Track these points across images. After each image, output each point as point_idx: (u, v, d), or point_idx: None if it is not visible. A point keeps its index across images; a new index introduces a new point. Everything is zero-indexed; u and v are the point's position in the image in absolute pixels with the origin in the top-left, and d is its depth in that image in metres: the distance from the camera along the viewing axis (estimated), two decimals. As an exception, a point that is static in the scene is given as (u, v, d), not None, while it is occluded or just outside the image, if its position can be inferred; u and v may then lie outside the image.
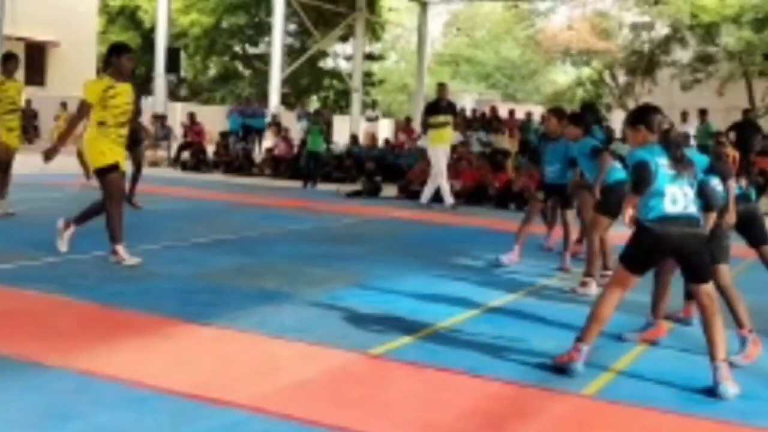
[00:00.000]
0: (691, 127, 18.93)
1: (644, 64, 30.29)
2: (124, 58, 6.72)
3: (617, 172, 6.69)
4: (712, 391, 4.12)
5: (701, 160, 4.98)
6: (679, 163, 4.18)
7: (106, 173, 6.74)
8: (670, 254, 4.27)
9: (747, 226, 5.48)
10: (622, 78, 32.54)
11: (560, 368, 4.32)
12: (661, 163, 4.16)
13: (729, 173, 4.97)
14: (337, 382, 4.05)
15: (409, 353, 4.57)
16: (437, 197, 13.15)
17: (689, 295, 5.60)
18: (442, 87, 13.62)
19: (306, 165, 16.65)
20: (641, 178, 4.15)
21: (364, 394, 3.88)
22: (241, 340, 4.69)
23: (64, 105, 20.16)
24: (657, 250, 4.20)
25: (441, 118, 12.97)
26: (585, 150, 6.93)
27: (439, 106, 13.07)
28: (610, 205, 6.50)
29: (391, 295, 6.11)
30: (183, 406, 3.58)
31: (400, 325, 5.18)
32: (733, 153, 17.00)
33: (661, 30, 30.19)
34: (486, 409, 3.81)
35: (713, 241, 4.70)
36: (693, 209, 4.18)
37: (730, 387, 4.06)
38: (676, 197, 4.12)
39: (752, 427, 3.75)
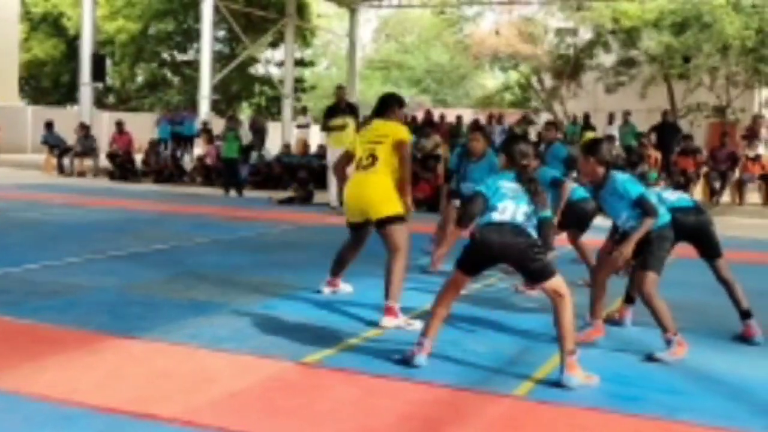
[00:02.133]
0: (615, 129, 19.46)
1: (569, 68, 30.96)
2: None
3: (577, 191, 7.14)
4: (639, 386, 4.26)
5: (561, 150, 5.39)
6: (526, 186, 4.61)
7: None
8: (493, 258, 4.55)
9: (698, 239, 5.63)
10: (548, 82, 33.18)
11: (406, 361, 4.54)
12: (504, 185, 4.59)
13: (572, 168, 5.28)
14: (271, 392, 4.03)
15: (343, 360, 4.58)
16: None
17: (628, 298, 5.77)
18: (340, 90, 13.72)
19: (224, 172, 16.55)
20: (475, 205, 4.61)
21: (298, 404, 3.88)
22: (173, 352, 4.63)
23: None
24: (478, 254, 4.52)
25: (339, 121, 13.02)
26: (544, 180, 6.84)
27: (338, 109, 13.14)
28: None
29: (325, 303, 6.12)
30: (115, 422, 3.52)
31: (333, 332, 5.19)
32: (654, 154, 17.54)
33: (585, 35, 30.90)
34: (422, 413, 3.85)
35: (645, 248, 4.96)
36: (520, 219, 4.48)
37: (574, 376, 4.29)
38: (506, 209, 4.50)
39: (678, 422, 3.87)
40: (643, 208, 4.99)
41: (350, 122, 12.98)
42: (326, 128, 13.40)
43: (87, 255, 7.72)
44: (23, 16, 34.45)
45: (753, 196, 17.13)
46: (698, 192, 17.41)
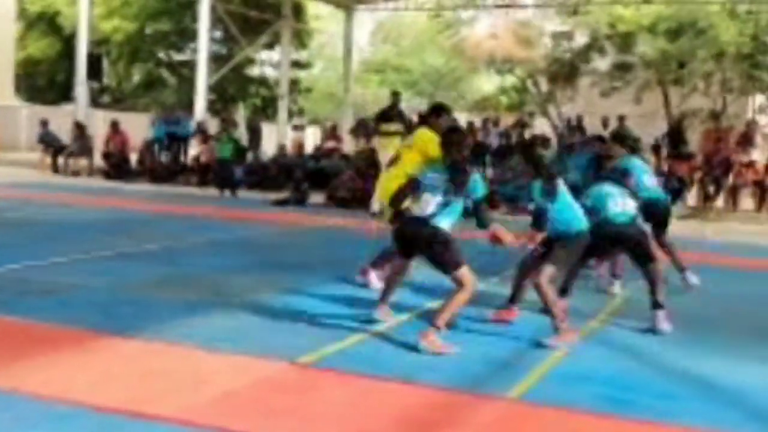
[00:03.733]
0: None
1: (565, 72, 30.95)
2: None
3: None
4: (633, 389, 4.28)
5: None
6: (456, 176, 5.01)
7: None
8: (409, 246, 5.13)
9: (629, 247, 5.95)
10: (544, 85, 33.21)
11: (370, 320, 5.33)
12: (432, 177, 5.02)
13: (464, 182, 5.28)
14: (265, 393, 4.03)
15: (338, 361, 4.58)
16: None
17: (512, 299, 5.91)
18: (395, 95, 13.77)
19: (218, 172, 16.55)
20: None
21: (293, 404, 3.87)
22: (167, 352, 4.62)
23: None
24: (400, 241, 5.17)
25: (393, 127, 13.07)
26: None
27: (392, 114, 13.19)
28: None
29: (320, 303, 6.11)
30: (108, 421, 3.51)
31: (328, 333, 5.18)
32: (649, 158, 17.55)
33: (581, 39, 30.93)
34: (417, 415, 3.84)
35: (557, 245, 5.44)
36: (430, 212, 4.91)
37: (428, 346, 4.78)
38: (428, 202, 4.94)
39: (672, 425, 3.88)
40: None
41: (399, 128, 13.04)
42: (378, 132, 13.46)
43: (81, 254, 7.70)
44: (19, 14, 34.36)
45: (746, 202, 17.19)
46: (692, 197, 17.47)
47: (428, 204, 4.91)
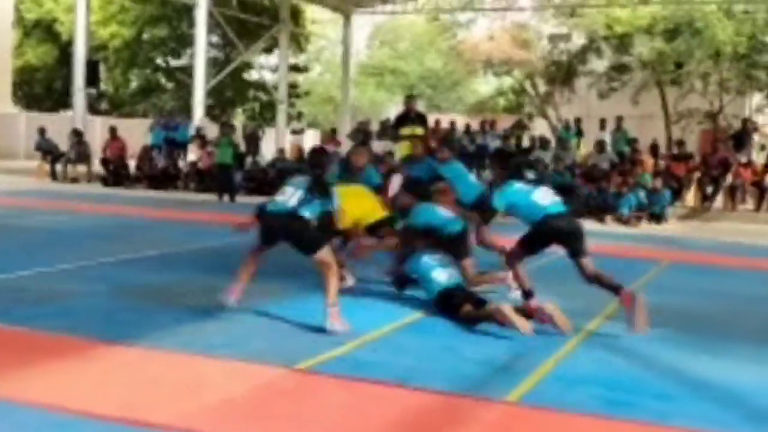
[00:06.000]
0: (607, 135, 19.49)
1: (563, 73, 31.01)
2: None
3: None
4: (631, 391, 4.29)
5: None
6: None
7: None
8: (275, 235, 5.85)
9: (566, 241, 5.97)
10: (542, 87, 33.25)
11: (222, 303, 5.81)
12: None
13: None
14: (264, 398, 4.04)
15: (336, 366, 4.58)
16: None
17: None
18: (410, 99, 13.78)
19: (217, 177, 16.56)
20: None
21: (290, 410, 3.88)
22: (166, 359, 4.63)
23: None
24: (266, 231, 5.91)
25: (407, 130, 13.11)
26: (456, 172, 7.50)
27: (408, 118, 13.22)
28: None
29: (317, 308, 6.10)
30: (107, 428, 3.52)
31: (326, 338, 5.19)
32: (649, 159, 17.59)
33: (578, 41, 30.96)
34: (415, 419, 3.85)
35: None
36: (292, 204, 5.70)
37: (334, 324, 5.32)
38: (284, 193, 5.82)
39: (670, 427, 3.89)
40: None
41: (419, 131, 13.06)
42: (396, 138, 13.48)
43: (79, 261, 7.71)
44: (16, 21, 34.37)
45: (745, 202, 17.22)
46: (690, 197, 17.50)
47: (291, 196, 5.74)
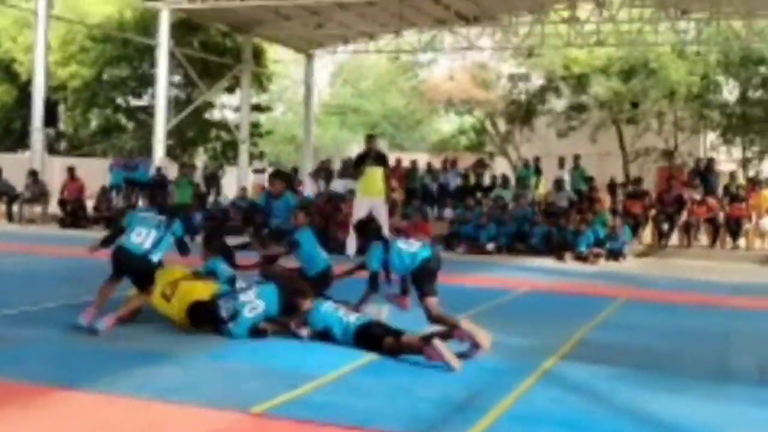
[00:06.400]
0: (566, 173, 19.79)
1: (522, 112, 31.54)
2: None
3: None
4: (589, 430, 4.32)
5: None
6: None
7: None
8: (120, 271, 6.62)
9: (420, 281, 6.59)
10: (502, 126, 33.73)
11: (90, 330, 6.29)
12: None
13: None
14: (219, 444, 3.98)
15: (292, 409, 4.54)
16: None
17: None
18: (370, 138, 13.84)
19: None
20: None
21: (246, 455, 3.83)
22: (119, 404, 4.55)
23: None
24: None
25: (366, 169, 13.16)
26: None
27: (368, 157, 13.25)
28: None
29: (274, 350, 6.07)
30: (55, 478, 3.44)
31: (282, 380, 5.13)
32: (605, 197, 17.87)
33: (537, 81, 31.57)
34: (369, 462, 3.83)
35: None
36: (146, 247, 6.49)
37: (100, 322, 6.24)
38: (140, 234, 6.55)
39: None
40: None
41: (379, 171, 13.09)
42: (355, 176, 13.56)
43: (32, 305, 7.57)
44: (-26, 62, 34.07)
45: (700, 238, 17.52)
46: (647, 234, 17.76)
47: (146, 238, 6.46)
